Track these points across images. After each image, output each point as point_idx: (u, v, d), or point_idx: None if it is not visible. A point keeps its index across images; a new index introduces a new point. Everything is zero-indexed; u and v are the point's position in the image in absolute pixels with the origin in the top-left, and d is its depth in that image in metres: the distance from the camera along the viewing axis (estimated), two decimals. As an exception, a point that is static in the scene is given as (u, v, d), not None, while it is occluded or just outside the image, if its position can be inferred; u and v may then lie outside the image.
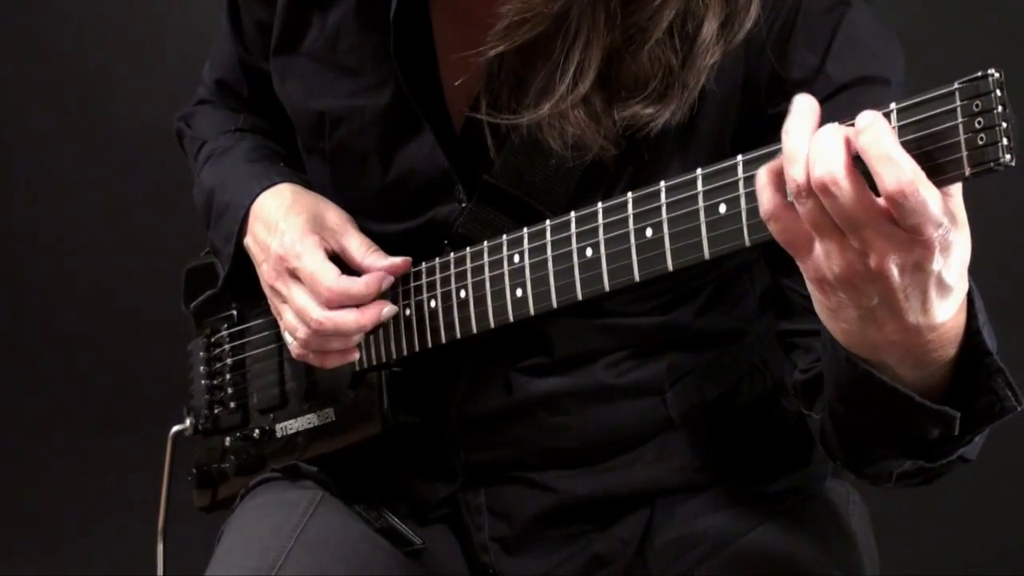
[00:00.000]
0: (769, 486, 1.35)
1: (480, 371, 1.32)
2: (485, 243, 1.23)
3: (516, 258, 1.20)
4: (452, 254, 1.26)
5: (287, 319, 1.31)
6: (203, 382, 1.54)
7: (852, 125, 0.87)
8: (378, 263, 1.28)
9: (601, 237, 1.13)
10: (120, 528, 2.76)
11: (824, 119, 0.91)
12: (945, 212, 0.86)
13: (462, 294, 1.25)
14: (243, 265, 1.39)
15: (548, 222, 1.18)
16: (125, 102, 2.97)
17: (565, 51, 1.13)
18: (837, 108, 1.10)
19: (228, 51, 1.51)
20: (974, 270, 0.94)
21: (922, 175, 0.84)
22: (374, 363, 1.34)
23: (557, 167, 1.21)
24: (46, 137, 3.05)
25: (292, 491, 1.39)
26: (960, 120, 0.84)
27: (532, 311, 1.19)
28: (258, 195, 1.37)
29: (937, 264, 0.88)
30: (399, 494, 1.41)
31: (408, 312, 1.30)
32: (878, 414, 1.03)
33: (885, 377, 0.99)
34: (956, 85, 0.85)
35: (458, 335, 1.26)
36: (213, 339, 1.53)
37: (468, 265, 1.24)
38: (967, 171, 0.85)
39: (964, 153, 0.85)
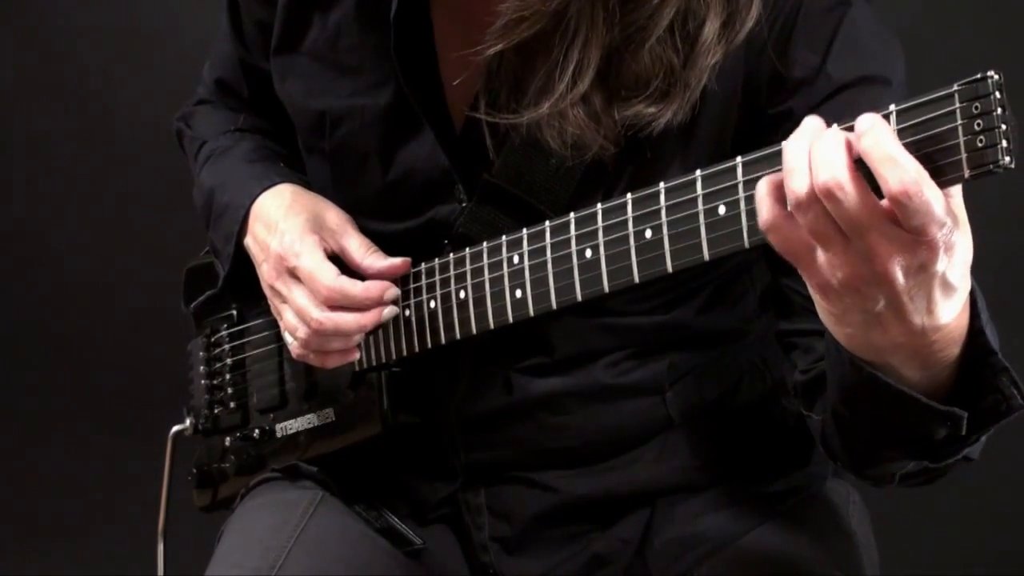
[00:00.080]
0: (769, 486, 1.35)
1: (480, 371, 1.32)
2: (484, 244, 1.23)
3: (515, 259, 1.20)
4: (451, 255, 1.26)
5: (287, 319, 1.31)
6: (203, 382, 1.54)
7: (851, 128, 0.87)
8: (377, 264, 1.29)
9: (600, 238, 1.13)
10: (120, 528, 2.76)
11: (825, 119, 0.91)
12: (947, 212, 0.86)
13: (461, 295, 1.25)
14: (243, 265, 1.39)
15: (547, 223, 1.18)
16: (125, 102, 2.97)
17: (564, 49, 1.13)
18: (838, 108, 1.10)
19: (228, 51, 1.51)
20: (974, 270, 0.94)
21: (925, 175, 0.84)
22: (374, 363, 1.34)
23: (558, 167, 1.21)
24: (46, 137, 3.05)
25: (292, 491, 1.39)
26: (960, 122, 0.84)
27: (531, 312, 1.19)
28: (258, 195, 1.37)
29: (941, 265, 0.88)
30: (399, 494, 1.41)
31: (408, 313, 1.30)
32: (884, 416, 1.03)
33: (891, 380, 0.99)
34: (955, 87, 0.85)
35: (457, 336, 1.26)
36: (213, 339, 1.53)
37: (468, 266, 1.24)
38: (966, 173, 0.85)
39: (963, 155, 0.84)
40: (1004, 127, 0.83)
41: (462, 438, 1.36)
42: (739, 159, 1.00)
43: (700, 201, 1.04)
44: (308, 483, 1.40)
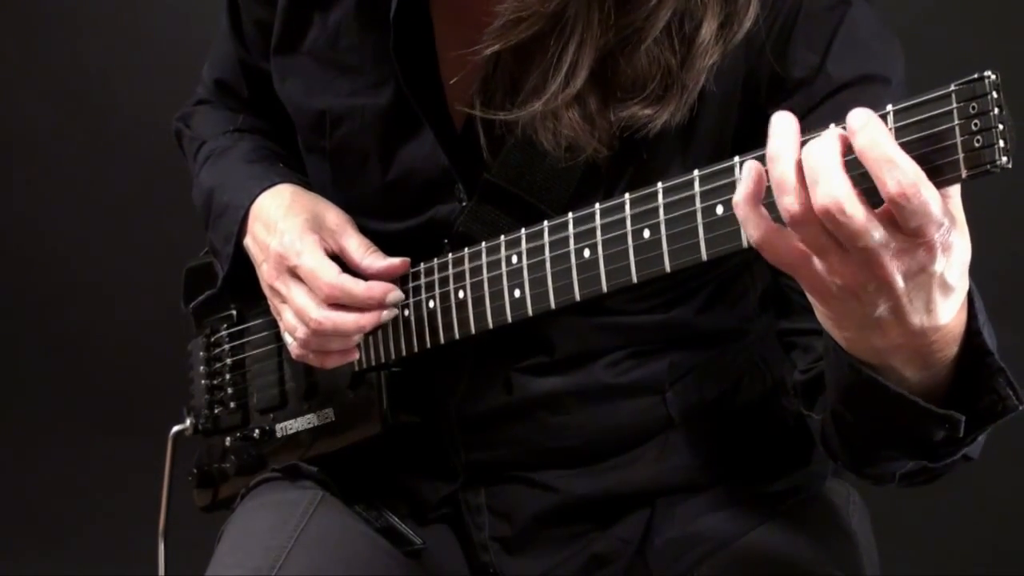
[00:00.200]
0: (769, 486, 1.35)
1: (480, 371, 1.32)
2: (483, 244, 1.23)
3: (514, 259, 1.20)
4: (450, 255, 1.26)
5: (287, 319, 1.32)
6: (203, 382, 1.54)
7: (843, 127, 0.87)
8: (377, 264, 1.29)
9: (599, 238, 1.13)
10: (120, 528, 2.76)
11: (825, 118, 0.90)
12: (945, 212, 0.86)
13: (460, 295, 1.25)
14: (242, 265, 1.39)
15: (546, 223, 1.18)
16: (125, 102, 2.96)
17: (559, 50, 1.13)
18: (837, 107, 1.10)
19: (227, 51, 1.51)
20: (974, 271, 0.94)
21: (923, 176, 0.84)
22: (373, 363, 1.34)
23: (557, 167, 1.21)
24: (46, 137, 3.05)
25: (292, 491, 1.39)
26: (957, 122, 0.84)
27: (530, 312, 1.19)
28: (257, 195, 1.37)
29: (940, 265, 0.88)
30: (399, 494, 1.41)
31: (407, 313, 1.30)
32: (882, 418, 1.03)
33: (889, 383, 0.99)
34: (952, 87, 0.85)
35: (456, 336, 1.26)
36: (213, 339, 1.53)
37: (466, 266, 1.25)
38: (964, 173, 0.85)
39: (960, 155, 0.84)
40: (1001, 127, 0.83)
41: (462, 438, 1.36)
42: (737, 159, 1.00)
43: (698, 200, 1.04)
44: (308, 483, 1.40)
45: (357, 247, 1.30)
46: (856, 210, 0.85)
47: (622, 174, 1.21)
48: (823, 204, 0.85)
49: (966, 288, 0.94)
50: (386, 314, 1.28)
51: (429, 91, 1.28)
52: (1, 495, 2.99)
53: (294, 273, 1.29)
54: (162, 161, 2.37)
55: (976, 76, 0.84)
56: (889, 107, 0.87)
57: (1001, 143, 0.83)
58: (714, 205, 1.02)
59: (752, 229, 0.91)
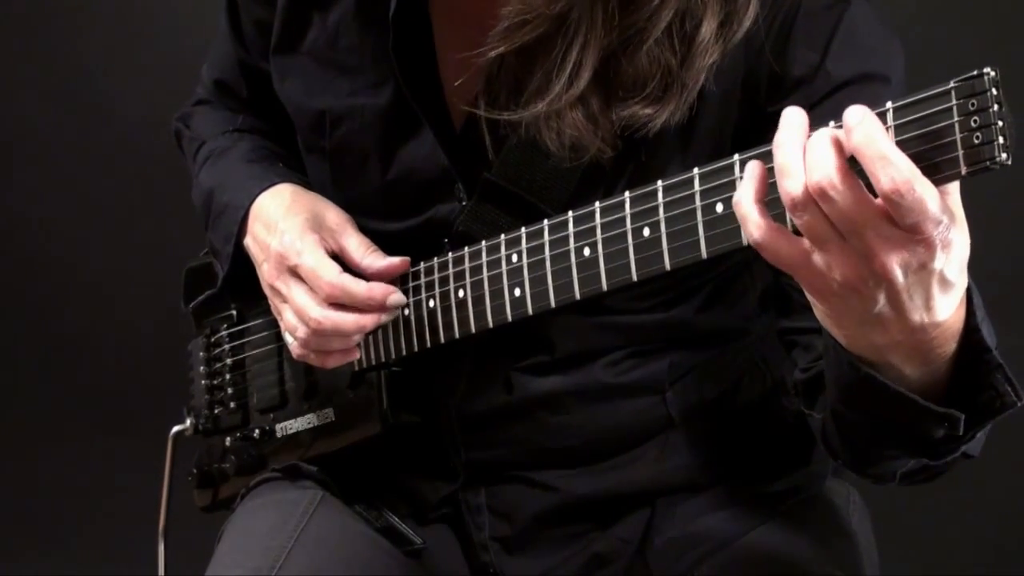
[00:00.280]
0: (769, 486, 1.35)
1: (480, 370, 1.32)
2: (483, 243, 1.23)
3: (514, 258, 1.20)
4: (450, 254, 1.26)
5: (287, 319, 1.32)
6: (203, 382, 1.54)
7: (840, 126, 0.87)
8: (377, 263, 1.29)
9: (599, 236, 1.13)
10: (120, 528, 2.75)
11: (825, 117, 0.91)
12: (943, 210, 0.86)
13: (460, 294, 1.25)
14: (242, 265, 1.39)
15: (546, 221, 1.18)
16: (125, 102, 2.96)
17: (563, 51, 1.14)
18: (837, 105, 1.10)
19: (227, 51, 1.51)
20: (973, 268, 0.94)
21: (918, 173, 0.84)
22: (373, 363, 1.34)
23: (557, 166, 1.21)
24: (46, 137, 3.04)
25: (292, 491, 1.39)
26: (956, 119, 0.84)
27: (530, 311, 1.19)
28: (257, 195, 1.37)
29: (939, 262, 0.88)
30: (399, 494, 1.41)
31: (407, 312, 1.30)
32: (882, 416, 1.03)
33: (888, 381, 0.99)
34: (952, 84, 0.85)
35: (457, 335, 1.26)
36: (213, 339, 1.53)
37: (466, 265, 1.24)
38: (963, 170, 0.85)
39: (960, 152, 0.84)
40: (1001, 124, 0.83)
41: (462, 437, 1.36)
42: (736, 157, 1.00)
43: (698, 199, 1.04)
44: (308, 483, 1.40)
45: (357, 246, 1.30)
46: (848, 185, 0.86)
47: (622, 173, 1.21)
48: (816, 181, 0.86)
49: (965, 284, 0.94)
50: (386, 315, 1.28)
51: (428, 91, 1.28)
52: (1, 495, 2.98)
53: (294, 273, 1.29)
54: (162, 161, 2.38)
55: (975, 73, 0.84)
56: (888, 104, 0.87)
57: (1001, 140, 0.83)
58: (714, 203, 1.02)
59: (752, 228, 0.92)
